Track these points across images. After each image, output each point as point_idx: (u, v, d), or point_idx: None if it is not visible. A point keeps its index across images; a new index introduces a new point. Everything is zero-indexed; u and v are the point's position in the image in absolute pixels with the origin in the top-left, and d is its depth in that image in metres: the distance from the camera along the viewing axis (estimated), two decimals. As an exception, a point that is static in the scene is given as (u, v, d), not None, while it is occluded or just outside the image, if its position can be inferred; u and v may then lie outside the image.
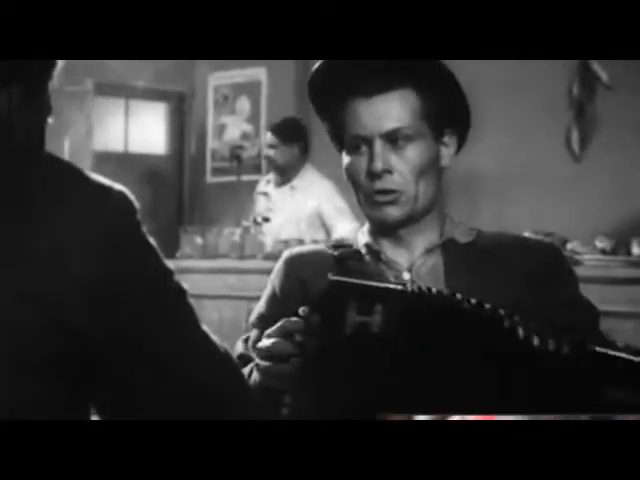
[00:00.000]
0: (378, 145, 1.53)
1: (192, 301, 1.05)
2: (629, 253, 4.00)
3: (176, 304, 1.04)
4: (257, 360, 1.40)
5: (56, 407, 0.99)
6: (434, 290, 1.30)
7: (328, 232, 4.91)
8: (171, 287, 1.03)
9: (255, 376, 1.41)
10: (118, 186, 1.01)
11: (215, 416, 1.03)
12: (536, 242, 1.77)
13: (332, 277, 1.30)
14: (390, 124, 1.53)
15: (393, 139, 1.53)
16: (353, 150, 1.56)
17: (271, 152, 5.03)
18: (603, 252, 4.06)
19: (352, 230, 4.79)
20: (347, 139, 1.56)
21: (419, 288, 1.29)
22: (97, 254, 0.97)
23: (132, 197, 1.01)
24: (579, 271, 3.41)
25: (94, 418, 1.06)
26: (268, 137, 5.09)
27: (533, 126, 5.23)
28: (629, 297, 3.59)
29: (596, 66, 5.02)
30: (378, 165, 1.52)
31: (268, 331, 1.39)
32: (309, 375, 1.31)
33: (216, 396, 1.05)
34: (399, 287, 1.30)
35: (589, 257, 3.94)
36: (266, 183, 5.18)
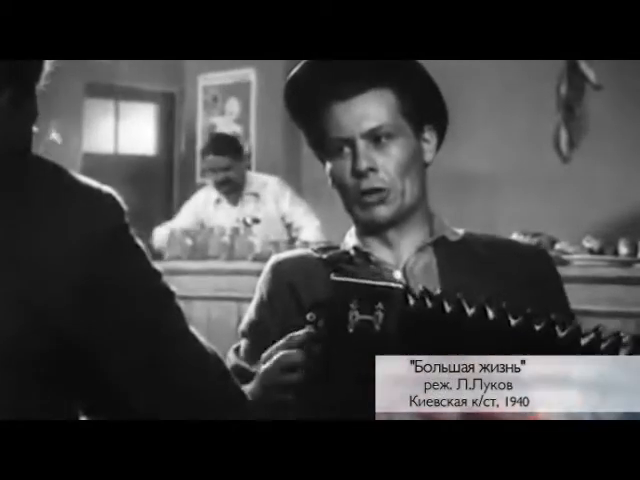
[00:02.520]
0: (361, 145, 1.53)
1: (180, 303, 1.05)
2: (616, 253, 4.01)
3: (164, 306, 1.04)
4: (262, 375, 1.40)
5: (45, 409, 0.99)
6: (433, 289, 1.32)
7: (291, 232, 4.92)
8: (159, 289, 1.04)
9: (259, 391, 1.41)
10: (106, 188, 1.01)
11: (204, 417, 1.03)
12: (527, 247, 1.79)
13: (334, 277, 1.32)
14: (370, 123, 1.53)
15: (375, 138, 1.54)
16: (335, 154, 1.56)
17: (229, 174, 4.92)
18: (591, 252, 4.07)
19: (316, 229, 4.82)
20: (328, 144, 1.56)
21: (424, 288, 1.32)
22: (85, 256, 0.97)
23: (120, 199, 1.01)
24: (567, 271, 3.43)
25: (82, 419, 1.07)
26: (219, 160, 4.91)
27: (521, 127, 5.24)
28: (616, 296, 3.60)
29: (584, 66, 5.03)
30: (363, 164, 1.53)
31: (275, 345, 1.40)
32: (314, 376, 1.32)
33: (205, 397, 1.05)
34: (401, 285, 1.32)
35: (577, 257, 3.95)
36: (216, 203, 5.08)
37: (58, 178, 1.00)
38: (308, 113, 1.58)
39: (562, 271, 1.68)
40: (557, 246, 4.12)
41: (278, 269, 1.62)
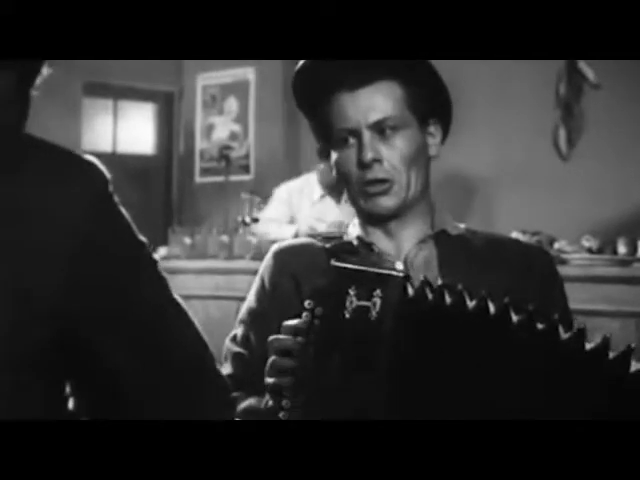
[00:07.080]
0: (366, 136, 1.55)
1: (164, 272, 1.05)
2: (615, 252, 4.03)
3: (150, 274, 1.04)
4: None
5: (33, 392, 0.99)
6: (432, 280, 1.31)
7: None
8: (145, 257, 1.04)
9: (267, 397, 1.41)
10: (88, 157, 1.01)
11: (186, 384, 1.04)
12: (529, 246, 1.79)
13: (334, 263, 1.32)
14: (376, 115, 1.54)
15: (380, 130, 1.55)
16: (341, 144, 1.57)
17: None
18: (589, 251, 4.08)
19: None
20: (334, 134, 1.57)
21: (425, 278, 1.31)
22: (68, 224, 0.96)
23: (103, 168, 1.01)
24: (566, 270, 3.44)
25: (73, 409, 1.06)
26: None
27: (521, 126, 5.25)
28: (615, 296, 3.61)
29: (583, 65, 5.03)
30: (368, 155, 1.54)
31: (276, 337, 1.40)
32: (311, 362, 1.32)
33: (190, 364, 1.05)
34: (401, 274, 1.32)
35: (576, 256, 3.96)
36: (321, 197, 5.02)
37: (37, 147, 1.00)
38: (315, 103, 1.59)
39: (561, 270, 1.68)
40: (556, 245, 4.13)
41: (280, 257, 1.62)
